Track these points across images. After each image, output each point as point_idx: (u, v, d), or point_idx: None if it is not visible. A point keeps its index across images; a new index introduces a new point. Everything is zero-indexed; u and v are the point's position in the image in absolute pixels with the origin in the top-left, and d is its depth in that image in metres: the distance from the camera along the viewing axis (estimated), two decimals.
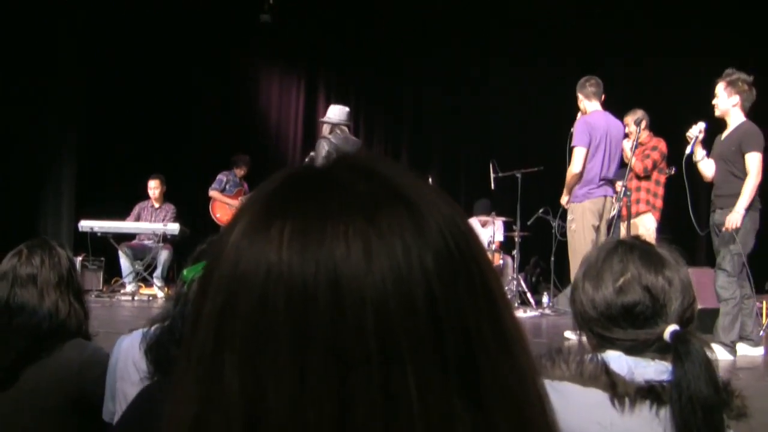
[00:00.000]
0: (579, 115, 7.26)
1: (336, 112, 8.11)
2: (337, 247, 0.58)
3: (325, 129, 8.06)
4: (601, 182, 6.93)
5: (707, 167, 6.35)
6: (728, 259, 6.01)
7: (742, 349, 6.10)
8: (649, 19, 11.40)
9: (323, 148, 7.61)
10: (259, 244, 0.60)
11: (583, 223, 6.86)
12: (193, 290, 1.87)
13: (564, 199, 7.31)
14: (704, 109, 6.52)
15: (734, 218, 6.04)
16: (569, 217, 7.05)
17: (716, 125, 6.44)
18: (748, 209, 6.05)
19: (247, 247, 0.60)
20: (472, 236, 0.64)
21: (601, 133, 6.94)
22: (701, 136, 6.32)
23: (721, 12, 10.84)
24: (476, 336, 0.60)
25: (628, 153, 7.33)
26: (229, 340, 0.59)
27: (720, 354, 5.67)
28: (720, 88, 6.28)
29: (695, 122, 6.37)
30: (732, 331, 5.96)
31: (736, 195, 6.05)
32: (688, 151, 6.35)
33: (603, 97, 7.20)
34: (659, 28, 11.30)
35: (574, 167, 6.95)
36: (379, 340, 0.56)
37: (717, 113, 6.34)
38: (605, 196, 6.95)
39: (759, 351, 6.15)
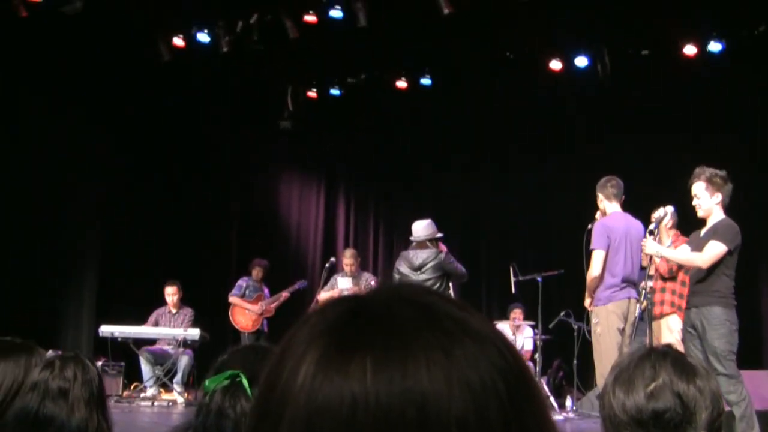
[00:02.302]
0: (598, 214, 7.24)
1: (413, 228, 8.42)
2: (421, 379, 0.62)
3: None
4: (624, 284, 6.84)
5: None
6: (721, 362, 5.78)
7: None
8: (668, 119, 11.51)
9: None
10: (339, 377, 0.63)
11: (608, 326, 6.74)
12: (216, 402, 1.85)
13: (587, 302, 7.22)
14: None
15: (653, 247, 6.21)
16: (593, 320, 6.92)
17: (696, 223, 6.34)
18: (725, 308, 5.88)
19: (325, 380, 0.63)
20: (519, 353, 0.70)
21: (621, 235, 6.88)
22: (667, 218, 6.27)
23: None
24: None
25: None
26: None
27: None
28: (700, 188, 6.10)
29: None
30: (752, 430, 5.73)
31: (714, 292, 5.90)
32: (651, 227, 6.33)
33: (623, 198, 7.17)
34: (682, 130, 11.39)
35: (594, 270, 6.90)
36: None
37: (700, 214, 6.17)
38: (629, 298, 6.82)
39: None
